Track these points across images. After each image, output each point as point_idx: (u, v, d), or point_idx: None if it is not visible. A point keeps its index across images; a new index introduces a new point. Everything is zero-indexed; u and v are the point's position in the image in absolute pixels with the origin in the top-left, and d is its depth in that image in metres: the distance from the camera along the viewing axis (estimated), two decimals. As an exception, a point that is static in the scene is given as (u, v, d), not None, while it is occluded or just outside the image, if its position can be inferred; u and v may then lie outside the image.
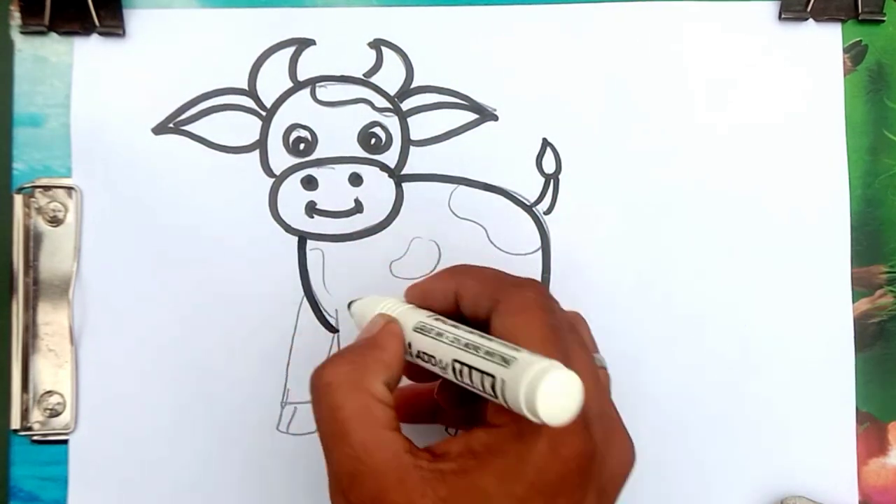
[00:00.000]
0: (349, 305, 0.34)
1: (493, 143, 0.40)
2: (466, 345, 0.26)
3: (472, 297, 0.29)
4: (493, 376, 0.25)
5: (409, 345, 0.29)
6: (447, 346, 0.27)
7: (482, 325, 0.28)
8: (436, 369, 0.28)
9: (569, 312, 0.31)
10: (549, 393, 0.23)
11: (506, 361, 0.25)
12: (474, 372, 0.26)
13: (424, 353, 0.28)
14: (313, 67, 0.40)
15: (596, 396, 0.27)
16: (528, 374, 0.23)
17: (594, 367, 0.28)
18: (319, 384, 0.27)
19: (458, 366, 0.26)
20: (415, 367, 0.30)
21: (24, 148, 0.39)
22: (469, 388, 0.26)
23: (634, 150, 0.41)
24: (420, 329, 0.29)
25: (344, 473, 0.26)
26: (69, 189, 0.39)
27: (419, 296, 0.31)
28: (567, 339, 0.27)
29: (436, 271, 0.31)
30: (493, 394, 0.25)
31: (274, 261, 0.39)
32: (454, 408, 0.31)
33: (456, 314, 0.30)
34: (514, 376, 0.24)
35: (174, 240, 0.39)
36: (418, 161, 0.40)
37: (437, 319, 0.29)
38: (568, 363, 0.24)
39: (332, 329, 0.39)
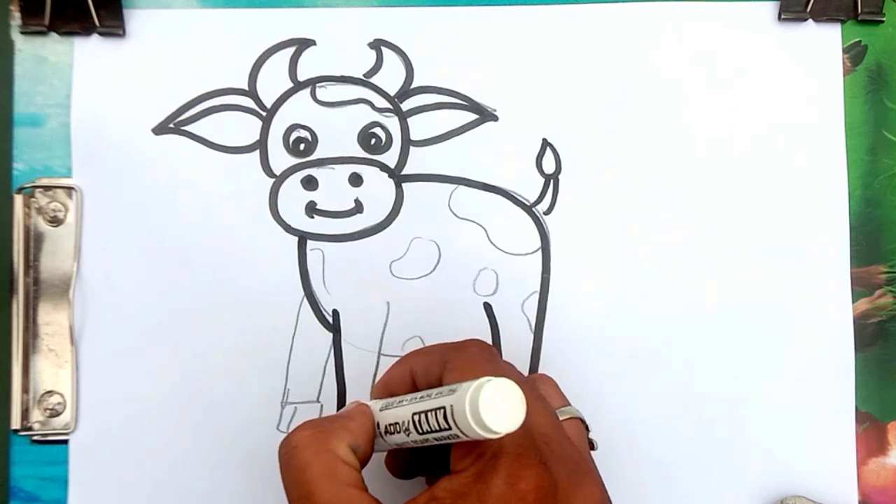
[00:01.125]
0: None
1: (493, 143, 0.40)
2: (421, 397, 0.28)
3: (423, 372, 0.31)
4: (443, 407, 0.26)
5: (379, 425, 0.30)
6: (406, 406, 0.29)
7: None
8: (401, 436, 0.29)
9: (530, 375, 0.33)
10: (491, 402, 0.25)
11: (452, 391, 0.26)
12: (429, 414, 0.27)
13: (390, 424, 0.30)
14: (313, 67, 0.40)
15: (556, 439, 0.28)
16: (469, 392, 0.25)
17: (551, 413, 0.29)
18: (287, 448, 0.29)
19: (416, 417, 0.28)
20: (393, 460, 0.33)
21: (24, 148, 0.39)
22: (434, 438, 0.27)
23: (634, 150, 0.41)
24: (385, 407, 0.30)
25: None
26: (69, 189, 0.39)
27: (382, 389, 0.33)
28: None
29: (389, 368, 0.33)
30: (447, 426, 0.26)
31: (274, 261, 0.39)
32: (399, 475, 0.33)
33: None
34: (459, 399, 0.25)
35: (174, 240, 0.39)
36: (418, 161, 0.40)
37: (400, 396, 0.30)
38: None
39: (332, 329, 0.40)
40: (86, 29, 0.39)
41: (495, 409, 0.25)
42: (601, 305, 0.40)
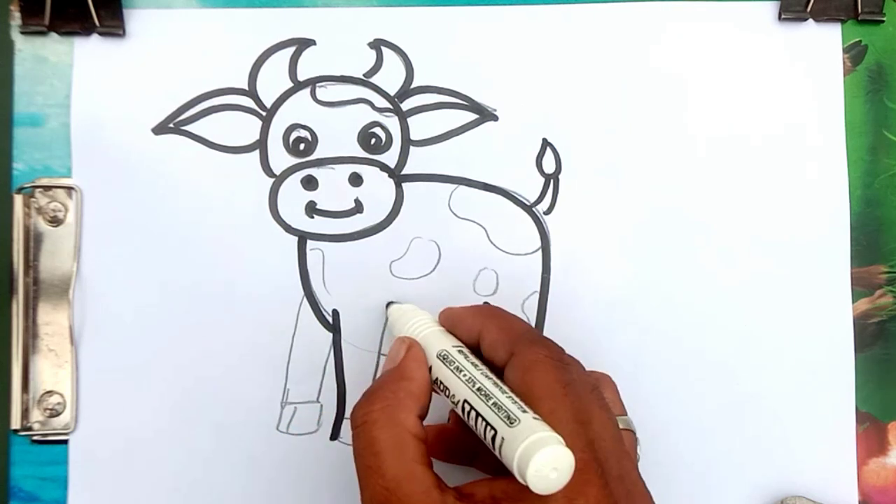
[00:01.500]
0: (388, 305, 0.37)
1: (493, 143, 0.40)
2: (479, 389, 0.28)
3: (491, 343, 0.31)
4: (495, 430, 0.26)
5: (430, 369, 0.31)
6: (462, 384, 0.29)
7: (499, 371, 0.30)
8: (448, 401, 0.29)
9: (594, 373, 0.32)
10: (541, 465, 0.25)
11: (510, 421, 0.26)
12: (480, 419, 0.27)
13: (441, 382, 0.30)
14: (313, 67, 0.40)
15: (616, 455, 0.28)
16: (526, 441, 0.25)
17: (614, 426, 0.29)
18: (357, 422, 0.29)
19: (467, 407, 0.28)
20: (440, 448, 0.33)
21: (24, 148, 0.39)
22: (473, 429, 0.28)
23: (634, 150, 0.41)
24: (442, 357, 0.30)
25: None
26: (69, 189, 0.39)
27: (448, 321, 0.33)
28: (582, 396, 0.28)
29: (470, 305, 0.33)
30: (492, 445, 0.26)
31: (274, 261, 0.39)
32: (448, 460, 0.33)
33: (478, 352, 0.31)
34: (513, 439, 0.25)
35: (174, 240, 0.39)
36: (418, 161, 0.40)
37: (460, 352, 0.30)
38: (580, 417, 0.26)
39: (332, 329, 0.39)
40: (86, 29, 0.39)
41: (542, 475, 0.25)
42: (601, 305, 0.40)
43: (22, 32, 0.39)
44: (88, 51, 0.40)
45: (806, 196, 0.41)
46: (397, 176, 0.40)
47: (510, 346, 0.30)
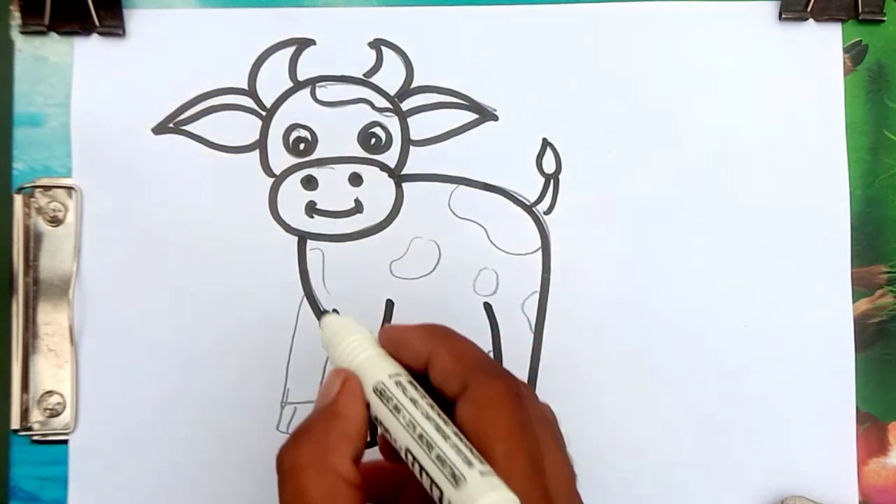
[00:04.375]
0: (321, 315, 0.33)
1: (493, 143, 0.40)
2: (420, 436, 0.25)
3: (441, 371, 0.27)
4: (441, 490, 0.24)
5: (369, 405, 0.27)
6: (402, 428, 0.26)
7: (447, 403, 0.27)
8: (389, 439, 0.26)
9: (543, 405, 0.30)
10: None
11: (455, 480, 0.23)
12: (424, 473, 0.24)
13: (381, 422, 0.27)
14: (313, 67, 0.40)
15: (567, 494, 0.26)
16: None
17: (569, 468, 0.27)
18: (284, 467, 0.26)
19: (409, 456, 0.25)
20: (388, 448, 0.29)
21: (24, 148, 0.39)
22: (418, 478, 0.25)
23: (634, 150, 0.41)
24: (379, 393, 0.27)
25: None
26: (69, 189, 0.39)
27: (392, 343, 0.29)
28: (539, 438, 0.26)
29: (416, 324, 0.29)
30: (438, 501, 0.24)
31: (274, 261, 0.39)
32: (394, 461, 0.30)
33: (425, 377, 0.28)
34: (459, 501, 0.23)
35: (174, 240, 0.39)
36: (418, 161, 0.40)
37: (398, 384, 0.27)
38: (538, 466, 0.24)
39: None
40: (86, 29, 0.39)
41: None
42: (601, 305, 0.40)
43: (22, 32, 0.39)
44: (88, 51, 0.40)
45: (806, 196, 0.41)
46: (397, 176, 0.40)
47: (463, 376, 0.27)
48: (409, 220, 0.40)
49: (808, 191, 0.41)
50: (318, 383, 0.39)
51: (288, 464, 0.26)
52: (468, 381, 0.26)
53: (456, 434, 0.25)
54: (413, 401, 0.26)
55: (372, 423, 0.27)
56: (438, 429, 0.25)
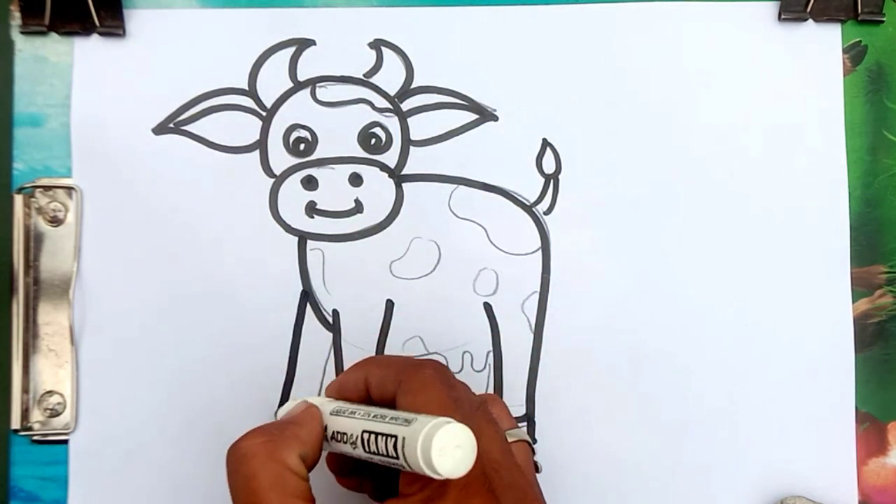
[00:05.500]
0: (276, 413, 0.36)
1: (493, 143, 0.40)
2: (374, 416, 0.28)
3: (378, 383, 0.31)
4: (395, 436, 0.26)
5: (327, 429, 0.30)
6: (358, 420, 0.29)
7: (391, 405, 0.30)
8: (347, 447, 0.29)
9: (481, 395, 0.33)
10: (443, 446, 0.25)
11: (407, 422, 0.26)
12: (380, 437, 0.27)
13: (338, 432, 0.30)
14: (313, 67, 0.40)
15: (505, 466, 0.28)
16: (424, 429, 0.25)
17: (502, 439, 0.29)
18: (236, 455, 0.28)
19: (366, 435, 0.28)
20: (335, 460, 0.32)
21: (24, 148, 0.39)
22: (378, 460, 0.28)
23: (634, 150, 0.41)
24: (336, 412, 0.30)
25: None
26: (69, 189, 0.39)
27: (336, 390, 0.32)
28: (470, 413, 0.28)
29: (352, 363, 0.33)
30: (395, 455, 0.26)
31: (274, 261, 0.39)
32: (342, 476, 0.33)
33: (369, 402, 0.31)
34: (413, 432, 0.26)
35: (174, 240, 0.39)
36: (418, 161, 0.40)
37: (353, 404, 0.31)
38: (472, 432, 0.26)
39: (332, 329, 0.40)
40: (86, 29, 0.39)
41: (447, 454, 0.25)
42: (601, 305, 0.40)
43: (22, 32, 0.39)
44: (88, 51, 0.40)
45: (805, 196, 0.41)
46: (397, 176, 0.40)
47: (396, 375, 0.30)
48: (409, 220, 0.40)
49: (808, 191, 0.41)
50: (319, 383, 0.39)
51: (241, 451, 0.28)
52: (401, 376, 0.29)
53: (402, 411, 0.28)
54: (367, 407, 0.30)
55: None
56: (390, 409, 0.29)
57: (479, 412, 0.29)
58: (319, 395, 0.38)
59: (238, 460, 0.28)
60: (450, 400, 0.28)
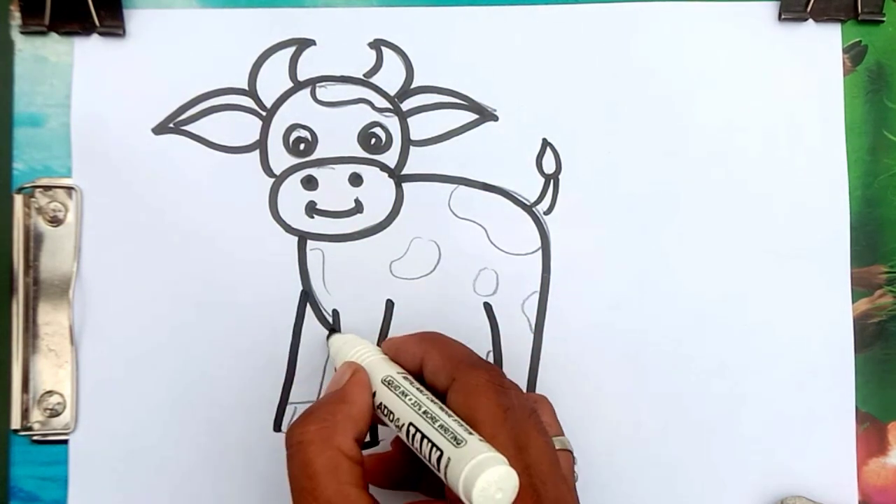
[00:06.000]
0: (328, 336, 0.37)
1: (493, 143, 0.40)
2: (425, 412, 0.28)
3: (433, 369, 0.31)
4: (441, 451, 0.26)
5: (374, 394, 0.31)
6: (408, 407, 0.29)
7: (441, 396, 0.30)
8: (392, 425, 0.29)
9: (531, 395, 0.33)
10: (487, 484, 0.25)
11: (457, 441, 0.26)
12: (425, 441, 0.27)
13: (385, 406, 0.30)
14: (313, 67, 0.40)
15: (552, 479, 0.28)
16: (472, 461, 0.25)
17: (551, 450, 0.29)
18: (292, 441, 0.29)
19: (412, 429, 0.28)
20: (381, 473, 0.33)
21: (24, 148, 0.39)
22: (417, 453, 0.28)
23: (634, 150, 0.41)
24: (387, 383, 0.30)
25: None
26: (69, 189, 0.39)
27: (392, 350, 0.33)
28: (521, 421, 0.28)
29: (413, 332, 0.33)
30: (437, 467, 0.26)
31: (274, 261, 0.39)
32: (389, 487, 0.33)
33: (421, 378, 0.31)
34: (460, 459, 0.26)
35: (174, 240, 0.39)
36: (418, 161, 0.40)
37: (405, 378, 0.30)
38: (519, 442, 0.27)
39: (332, 329, 0.39)
40: (86, 29, 0.39)
41: (488, 494, 0.25)
42: (601, 305, 0.40)
43: (22, 32, 0.39)
44: (88, 51, 0.40)
45: (806, 196, 0.41)
46: (397, 176, 0.40)
47: (451, 370, 0.30)
48: (409, 220, 0.40)
49: (808, 191, 0.41)
50: (319, 383, 0.39)
51: (296, 438, 0.29)
52: (455, 374, 0.30)
53: (454, 415, 0.28)
54: (418, 388, 0.30)
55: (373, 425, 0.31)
56: (441, 408, 0.28)
57: (530, 420, 0.29)
58: (321, 390, 0.38)
59: (294, 447, 0.28)
60: (500, 409, 0.28)
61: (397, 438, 0.34)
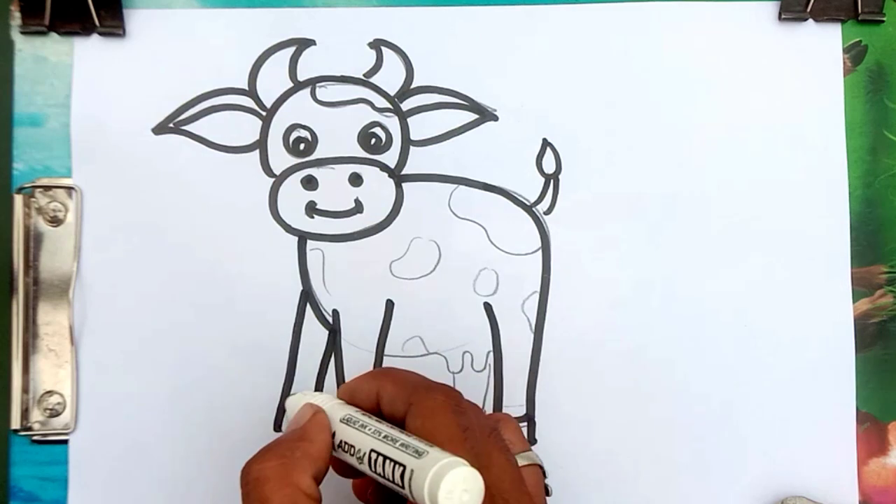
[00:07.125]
0: (286, 402, 0.35)
1: (493, 143, 0.40)
2: (385, 437, 0.28)
3: (389, 399, 0.30)
4: (403, 466, 0.26)
5: (334, 435, 0.30)
6: (368, 436, 0.28)
7: (401, 424, 0.30)
8: (353, 460, 0.29)
9: (493, 415, 0.33)
10: (452, 486, 0.25)
11: (418, 454, 0.26)
12: (388, 462, 0.27)
13: (346, 443, 0.29)
14: (313, 67, 0.40)
15: (515, 496, 0.28)
16: (436, 466, 0.25)
17: (513, 468, 0.29)
18: (249, 479, 0.28)
19: (374, 455, 0.28)
20: (341, 462, 0.31)
21: (24, 148, 0.39)
22: (382, 480, 0.27)
23: (634, 150, 0.41)
24: (346, 421, 0.30)
25: None
26: (69, 189, 0.39)
27: (348, 393, 0.32)
28: (481, 440, 0.28)
29: (364, 371, 0.33)
30: (401, 484, 0.26)
31: (274, 261, 0.39)
32: (349, 477, 0.33)
33: (379, 414, 0.31)
34: (422, 467, 0.25)
35: (174, 240, 0.39)
36: (418, 161, 0.40)
37: (364, 414, 0.30)
38: (480, 462, 0.26)
39: (332, 329, 0.40)
40: (86, 29, 0.39)
41: (454, 497, 0.25)
42: (601, 305, 0.40)
43: (22, 32, 0.39)
44: (88, 51, 0.40)
45: (806, 196, 0.41)
46: (397, 176, 0.40)
47: (408, 396, 0.30)
48: (409, 220, 0.40)
49: (808, 191, 0.41)
50: (319, 383, 0.39)
51: (253, 475, 0.28)
52: (412, 399, 0.29)
53: (412, 435, 0.28)
54: (378, 421, 0.30)
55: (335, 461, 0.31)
56: (402, 432, 0.28)
57: (490, 439, 0.29)
58: (321, 390, 0.38)
59: (251, 483, 0.28)
60: (459, 429, 0.28)
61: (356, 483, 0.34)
